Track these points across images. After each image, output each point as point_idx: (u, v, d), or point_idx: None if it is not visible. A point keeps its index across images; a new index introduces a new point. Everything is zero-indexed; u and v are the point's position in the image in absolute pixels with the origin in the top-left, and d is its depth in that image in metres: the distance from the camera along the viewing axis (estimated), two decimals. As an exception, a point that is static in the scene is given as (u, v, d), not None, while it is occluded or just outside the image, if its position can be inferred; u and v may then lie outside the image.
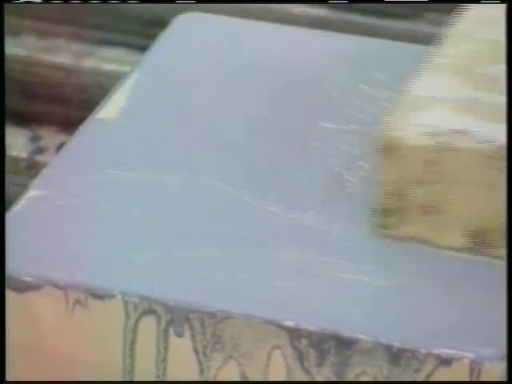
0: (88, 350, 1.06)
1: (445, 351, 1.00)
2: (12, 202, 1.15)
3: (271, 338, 1.01)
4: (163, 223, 1.12)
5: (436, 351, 1.00)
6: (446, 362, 1.00)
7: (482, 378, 1.02)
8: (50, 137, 1.30)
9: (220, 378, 1.04)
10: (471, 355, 1.00)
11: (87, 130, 1.21)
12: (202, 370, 1.03)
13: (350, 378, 1.01)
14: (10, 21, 1.49)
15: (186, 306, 1.03)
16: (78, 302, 1.03)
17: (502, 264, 1.12)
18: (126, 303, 1.02)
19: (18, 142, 1.31)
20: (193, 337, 1.02)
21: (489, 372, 1.01)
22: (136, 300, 1.03)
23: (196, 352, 1.02)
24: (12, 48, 1.44)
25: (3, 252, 1.15)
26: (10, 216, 1.13)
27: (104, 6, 1.51)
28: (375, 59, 1.30)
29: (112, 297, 1.03)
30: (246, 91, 1.25)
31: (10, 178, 1.31)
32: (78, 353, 1.06)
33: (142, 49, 1.34)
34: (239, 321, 1.02)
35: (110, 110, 1.23)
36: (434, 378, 1.01)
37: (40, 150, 1.31)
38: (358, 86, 1.27)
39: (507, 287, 1.13)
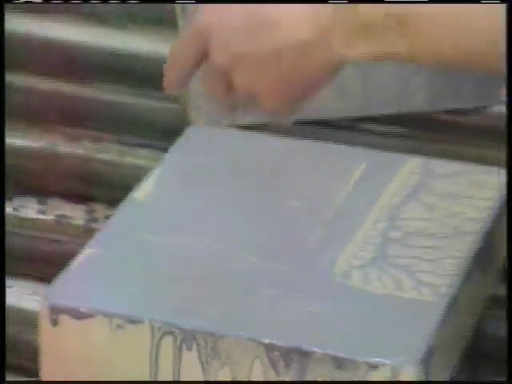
0: (125, 359, 1.12)
1: (373, 359, 1.05)
2: (74, 257, 1.19)
3: (253, 351, 1.08)
4: (177, 272, 1.16)
5: (367, 359, 1.05)
6: (374, 366, 1.05)
7: (402, 379, 1.05)
8: (100, 210, 1.40)
9: (218, 379, 1.09)
10: (391, 362, 1.05)
11: (126, 206, 1.26)
12: (204, 373, 1.09)
13: (309, 378, 1.07)
14: (66, 130, 1.52)
15: (194, 329, 1.09)
16: (119, 326, 1.10)
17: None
18: (152, 327, 1.10)
19: (78, 214, 1.39)
20: (198, 350, 1.09)
21: (406, 374, 1.05)
22: (159, 325, 1.10)
23: (201, 361, 1.09)
24: (70, 149, 1.50)
25: (3, 252, 1.21)
26: (72, 266, 1.17)
27: (128, 116, 1.50)
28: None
29: (142, 322, 1.10)
30: (242, 183, 1.29)
31: (72, 240, 1.36)
32: (119, 362, 1.12)
33: (164, 150, 1.36)
34: (231, 339, 1.08)
35: (142, 192, 1.28)
36: (367, 379, 1.06)
37: (94, 220, 1.40)
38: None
39: (507, 287, 1.14)
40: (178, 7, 1.45)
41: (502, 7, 1.02)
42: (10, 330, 1.23)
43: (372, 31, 1.06)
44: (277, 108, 1.12)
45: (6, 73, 1.49)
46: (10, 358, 1.22)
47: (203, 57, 1.12)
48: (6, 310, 1.23)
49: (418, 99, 1.46)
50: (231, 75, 1.11)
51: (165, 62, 1.18)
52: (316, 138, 1.38)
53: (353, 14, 1.05)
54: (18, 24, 1.50)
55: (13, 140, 1.51)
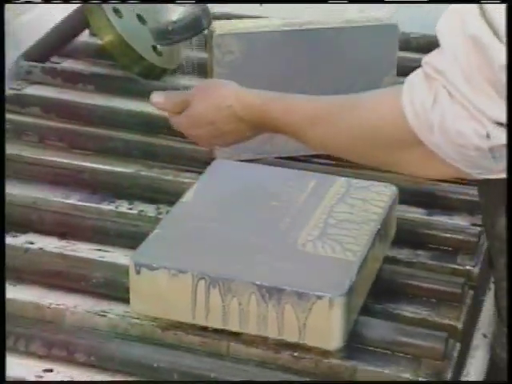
0: (178, 295, 1.08)
1: (319, 293, 1.04)
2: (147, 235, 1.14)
3: (250, 289, 1.06)
4: (208, 243, 1.12)
5: (316, 293, 1.04)
6: (319, 297, 1.03)
7: (334, 306, 1.02)
8: (164, 208, 1.31)
9: (230, 306, 1.06)
10: (330, 294, 1.04)
11: (177, 206, 1.21)
12: (223, 302, 1.06)
13: (282, 303, 1.04)
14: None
15: (216, 276, 1.07)
16: (174, 275, 1.07)
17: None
18: (193, 275, 1.07)
19: (150, 209, 1.31)
20: (219, 289, 1.06)
21: (337, 302, 1.03)
22: (197, 273, 1.07)
23: (220, 295, 1.07)
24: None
25: (3, 251, 1.11)
26: (146, 240, 1.13)
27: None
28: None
29: (186, 272, 1.07)
30: (247, 198, 1.22)
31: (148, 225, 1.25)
32: (174, 297, 1.08)
33: (199, 173, 1.29)
34: (237, 281, 1.06)
35: (186, 199, 1.21)
36: (314, 306, 1.03)
37: (160, 213, 1.31)
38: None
39: (507, 287, 1.03)
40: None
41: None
42: (118, 277, 1.17)
43: (274, 130, 1.11)
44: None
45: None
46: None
47: None
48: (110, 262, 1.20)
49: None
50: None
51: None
52: (288, 166, 1.35)
53: (256, 125, 1.11)
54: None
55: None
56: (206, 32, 1.15)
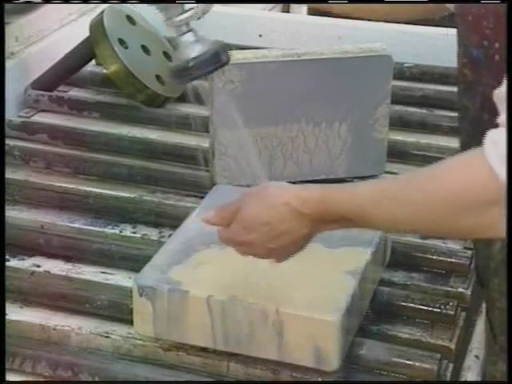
0: (180, 314, 1.07)
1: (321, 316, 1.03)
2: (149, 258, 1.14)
3: (249, 311, 1.05)
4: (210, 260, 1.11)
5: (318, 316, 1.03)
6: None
7: (331, 327, 1.01)
8: (167, 231, 1.30)
9: (228, 327, 1.05)
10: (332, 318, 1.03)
11: (181, 227, 1.20)
12: (223, 322, 1.05)
13: None
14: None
15: (217, 298, 1.06)
16: (175, 295, 1.06)
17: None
18: (194, 298, 1.07)
19: (153, 233, 1.30)
20: (220, 312, 1.05)
21: (335, 323, 1.02)
22: (193, 293, 1.06)
23: (221, 316, 1.06)
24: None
25: (3, 250, 1.12)
26: (148, 264, 1.12)
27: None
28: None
29: (187, 294, 1.07)
30: None
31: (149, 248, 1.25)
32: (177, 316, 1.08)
33: (201, 197, 1.30)
34: (238, 304, 1.06)
35: (189, 220, 1.21)
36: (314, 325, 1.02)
37: (163, 236, 1.30)
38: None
39: (507, 287, 1.00)
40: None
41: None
42: (122, 299, 1.16)
43: (333, 224, 1.00)
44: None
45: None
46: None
47: None
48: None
49: (340, 170, 1.44)
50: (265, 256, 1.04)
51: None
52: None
53: (320, 219, 1.00)
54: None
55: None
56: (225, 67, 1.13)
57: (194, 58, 1.07)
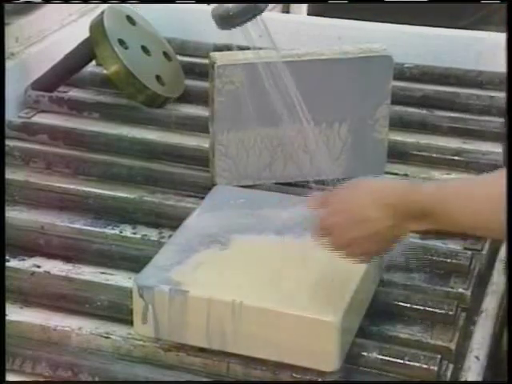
0: (181, 316, 1.07)
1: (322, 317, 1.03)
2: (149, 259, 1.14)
3: (249, 312, 1.06)
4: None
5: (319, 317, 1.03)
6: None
7: (330, 328, 1.02)
8: (167, 232, 1.30)
9: (227, 328, 1.05)
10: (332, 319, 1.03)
11: (181, 227, 1.20)
12: (222, 322, 1.06)
13: None
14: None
15: (217, 298, 1.06)
16: (175, 295, 1.06)
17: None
18: (194, 298, 1.07)
19: (153, 233, 1.30)
20: (220, 312, 1.06)
21: (335, 324, 1.02)
22: (193, 294, 1.07)
23: (221, 317, 1.06)
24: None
25: (3, 251, 1.12)
26: (149, 265, 1.11)
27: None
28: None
29: (187, 295, 1.06)
30: (253, 232, 1.18)
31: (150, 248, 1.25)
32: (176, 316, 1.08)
33: (201, 198, 1.29)
34: (238, 305, 1.06)
35: (190, 220, 1.20)
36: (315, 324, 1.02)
37: (163, 237, 1.29)
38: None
39: (507, 287, 1.03)
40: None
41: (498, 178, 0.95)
42: (122, 300, 1.16)
43: (416, 220, 1.00)
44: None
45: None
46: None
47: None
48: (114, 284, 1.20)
49: (340, 170, 1.42)
50: (346, 249, 1.04)
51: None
52: (286, 192, 1.35)
53: (405, 211, 1.00)
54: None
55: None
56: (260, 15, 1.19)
57: (234, 7, 1.14)
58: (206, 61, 1.42)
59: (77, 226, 1.35)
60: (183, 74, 1.72)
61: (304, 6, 2.57)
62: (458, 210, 0.97)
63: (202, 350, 1.09)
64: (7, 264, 1.24)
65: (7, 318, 1.12)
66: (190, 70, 1.75)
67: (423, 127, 1.58)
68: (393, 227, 1.02)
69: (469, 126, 1.57)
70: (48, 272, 1.25)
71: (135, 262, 1.21)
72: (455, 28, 1.83)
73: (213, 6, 1.19)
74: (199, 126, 1.54)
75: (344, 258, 1.05)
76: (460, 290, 1.20)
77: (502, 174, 0.95)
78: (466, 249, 1.27)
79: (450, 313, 1.14)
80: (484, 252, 1.27)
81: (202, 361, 1.09)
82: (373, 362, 1.08)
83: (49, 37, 1.73)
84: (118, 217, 1.35)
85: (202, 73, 1.60)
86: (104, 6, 1.65)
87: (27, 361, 1.09)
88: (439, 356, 1.08)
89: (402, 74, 1.71)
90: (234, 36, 1.81)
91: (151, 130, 1.58)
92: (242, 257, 1.13)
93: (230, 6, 1.14)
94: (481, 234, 1.09)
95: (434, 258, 1.25)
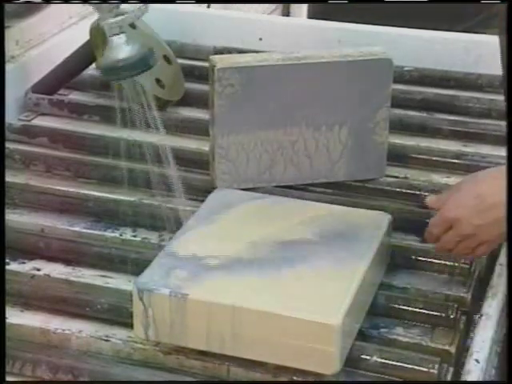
0: (181, 320, 1.07)
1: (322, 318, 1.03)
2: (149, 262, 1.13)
3: (249, 315, 1.05)
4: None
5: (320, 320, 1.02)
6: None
7: (332, 327, 1.01)
8: (167, 234, 1.29)
9: (227, 331, 1.04)
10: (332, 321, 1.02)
11: (183, 228, 1.20)
12: (222, 325, 1.06)
13: None
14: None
15: (217, 301, 1.07)
16: (176, 299, 1.06)
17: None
18: (194, 301, 1.07)
19: (153, 236, 1.30)
20: (220, 315, 1.06)
21: (337, 324, 1.02)
22: (192, 296, 1.06)
23: (221, 320, 1.06)
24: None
25: (3, 254, 1.12)
26: (148, 268, 1.11)
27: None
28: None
29: (187, 298, 1.06)
30: (253, 235, 1.18)
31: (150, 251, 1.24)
32: (177, 320, 1.07)
33: (202, 201, 1.29)
34: (238, 308, 1.06)
35: (191, 221, 1.20)
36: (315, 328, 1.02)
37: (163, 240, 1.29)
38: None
39: (507, 287, 1.06)
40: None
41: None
42: (122, 303, 1.16)
43: None
44: (488, 250, 1.12)
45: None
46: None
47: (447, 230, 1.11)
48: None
49: (340, 173, 1.44)
50: (472, 237, 1.08)
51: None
52: (286, 195, 1.35)
53: None
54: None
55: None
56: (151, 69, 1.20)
57: (123, 59, 1.12)
58: (206, 64, 1.42)
59: (77, 228, 1.35)
60: (183, 77, 1.71)
61: (304, 9, 2.57)
62: None
63: (201, 353, 1.09)
64: (7, 267, 1.24)
65: (7, 321, 1.12)
66: (190, 73, 1.75)
67: (423, 130, 1.59)
68: None
69: (469, 129, 1.57)
70: (48, 275, 1.25)
71: (135, 265, 1.21)
72: (455, 31, 1.84)
73: (102, 54, 1.17)
74: (199, 129, 1.54)
75: (462, 253, 1.10)
76: (460, 293, 1.20)
77: None
78: (466, 252, 1.27)
79: (450, 316, 1.15)
80: (484, 255, 1.27)
81: (202, 364, 1.09)
82: (373, 365, 1.08)
83: (49, 40, 1.74)
84: (118, 220, 1.35)
85: (202, 76, 1.60)
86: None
87: (27, 364, 1.09)
88: (439, 359, 1.08)
89: (401, 77, 1.71)
90: (234, 39, 1.86)
91: (151, 133, 1.57)
92: (242, 260, 1.13)
93: (120, 57, 1.13)
94: None
95: (434, 260, 1.25)
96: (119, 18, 1.11)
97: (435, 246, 1.16)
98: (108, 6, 1.11)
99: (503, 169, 1.05)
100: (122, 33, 1.12)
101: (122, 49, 1.12)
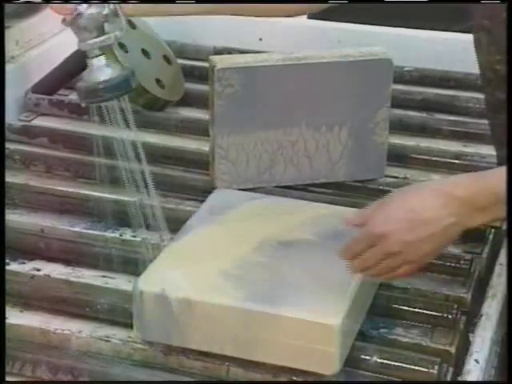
0: (181, 320, 1.07)
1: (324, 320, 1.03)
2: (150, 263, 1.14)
3: (249, 315, 1.06)
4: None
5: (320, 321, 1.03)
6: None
7: (332, 329, 1.02)
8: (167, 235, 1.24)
9: (227, 331, 1.04)
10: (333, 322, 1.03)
11: (183, 229, 1.21)
12: (222, 326, 1.06)
13: None
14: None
15: (217, 302, 1.07)
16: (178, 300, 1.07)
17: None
18: (194, 302, 1.07)
19: (154, 237, 1.26)
20: (220, 316, 1.06)
21: (336, 325, 1.02)
22: (191, 297, 1.06)
23: (221, 320, 1.06)
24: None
25: (3, 254, 1.12)
26: (148, 268, 1.11)
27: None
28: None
29: (188, 298, 1.07)
30: (253, 235, 1.18)
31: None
32: (177, 321, 1.07)
33: (202, 201, 1.29)
34: (238, 308, 1.07)
35: (191, 221, 1.21)
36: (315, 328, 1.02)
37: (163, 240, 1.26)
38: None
39: (507, 287, 1.03)
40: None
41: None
42: (122, 303, 1.16)
43: (484, 210, 0.97)
44: (410, 272, 1.02)
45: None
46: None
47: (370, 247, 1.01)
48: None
49: (340, 173, 1.44)
50: (396, 256, 0.99)
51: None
52: (286, 195, 1.36)
53: (471, 202, 0.96)
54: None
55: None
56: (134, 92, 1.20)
57: (103, 81, 1.11)
58: (205, 64, 1.42)
59: (77, 229, 1.35)
60: (183, 77, 1.71)
61: (304, 9, 2.57)
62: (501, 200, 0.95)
63: (201, 353, 1.09)
64: (7, 267, 1.24)
65: (7, 321, 1.12)
66: (190, 73, 1.75)
67: (423, 130, 1.59)
68: (455, 224, 0.98)
69: (469, 130, 1.57)
70: (48, 275, 1.25)
71: (135, 266, 1.20)
72: (455, 31, 1.83)
73: (82, 77, 1.16)
74: (199, 130, 1.54)
75: (381, 273, 1.01)
76: (460, 293, 1.20)
77: None
78: (465, 252, 1.27)
79: (450, 316, 1.15)
80: (484, 255, 1.27)
81: (202, 364, 1.09)
82: (373, 366, 1.08)
83: (49, 40, 1.73)
84: (118, 220, 1.34)
85: (202, 76, 1.60)
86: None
87: (27, 364, 1.09)
88: (439, 360, 1.08)
89: (401, 77, 1.71)
90: (234, 40, 1.86)
91: (151, 133, 1.58)
92: (242, 260, 1.13)
93: (101, 79, 1.12)
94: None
95: (434, 261, 1.25)
96: (99, 39, 1.10)
97: (351, 263, 1.04)
98: (89, 30, 1.10)
99: (432, 185, 1.00)
100: (103, 55, 1.11)
101: (102, 71, 1.12)
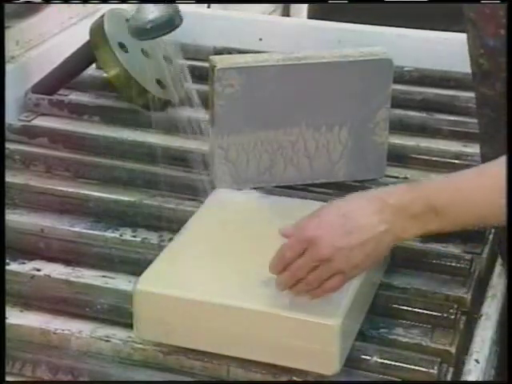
0: (181, 320, 1.08)
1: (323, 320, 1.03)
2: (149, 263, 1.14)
3: (249, 315, 1.07)
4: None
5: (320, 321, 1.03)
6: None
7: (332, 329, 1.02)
8: (167, 235, 1.29)
9: (228, 332, 1.04)
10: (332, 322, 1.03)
11: (182, 230, 1.21)
12: (222, 326, 1.06)
13: None
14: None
15: (217, 302, 1.08)
16: (174, 299, 1.07)
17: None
18: (194, 302, 1.08)
19: (153, 237, 1.29)
20: (220, 316, 1.07)
21: (336, 326, 1.02)
22: (198, 300, 1.08)
23: (221, 320, 1.07)
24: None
25: (3, 254, 1.13)
26: (148, 269, 1.11)
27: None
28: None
29: (188, 298, 1.08)
30: (254, 235, 1.18)
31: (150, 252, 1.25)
32: (178, 321, 1.09)
33: (201, 202, 1.30)
34: (238, 309, 1.08)
35: (192, 222, 1.21)
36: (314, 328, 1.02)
37: (163, 241, 1.29)
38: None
39: (507, 287, 1.04)
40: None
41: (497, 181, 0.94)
42: (122, 303, 1.16)
43: (418, 220, 0.96)
44: (340, 285, 1.00)
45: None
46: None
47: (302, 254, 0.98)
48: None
49: (340, 173, 1.44)
50: (327, 264, 0.97)
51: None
52: (286, 195, 1.35)
53: (405, 210, 0.96)
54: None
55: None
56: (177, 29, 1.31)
57: (151, 21, 1.26)
58: (205, 64, 1.41)
59: (77, 229, 1.34)
60: (184, 78, 1.71)
61: (304, 9, 2.57)
62: (459, 204, 0.95)
63: (201, 353, 1.09)
64: (7, 267, 1.24)
65: (7, 321, 1.12)
66: (190, 73, 1.73)
67: (423, 130, 1.58)
68: (387, 232, 0.97)
69: (469, 129, 1.56)
70: (48, 275, 1.25)
71: (135, 266, 1.20)
72: (455, 31, 1.83)
73: (131, 16, 1.29)
74: (199, 129, 1.52)
75: (311, 285, 0.99)
76: (460, 293, 1.20)
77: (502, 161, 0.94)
78: (465, 252, 1.26)
79: (450, 316, 1.15)
80: (484, 255, 1.27)
81: (202, 364, 1.09)
82: (373, 366, 1.08)
83: (49, 40, 1.73)
84: (118, 220, 1.35)
85: (202, 76, 1.59)
86: (104, 9, 1.66)
87: (27, 364, 1.09)
88: (439, 360, 1.08)
89: (402, 77, 1.71)
90: (234, 40, 1.87)
91: (151, 133, 1.58)
92: (242, 261, 1.13)
93: (149, 18, 1.25)
94: (489, 222, 1.07)
95: (434, 261, 1.25)
96: None
97: (280, 278, 1.01)
98: None
99: (370, 192, 1.00)
100: None
101: (149, 10, 1.24)
